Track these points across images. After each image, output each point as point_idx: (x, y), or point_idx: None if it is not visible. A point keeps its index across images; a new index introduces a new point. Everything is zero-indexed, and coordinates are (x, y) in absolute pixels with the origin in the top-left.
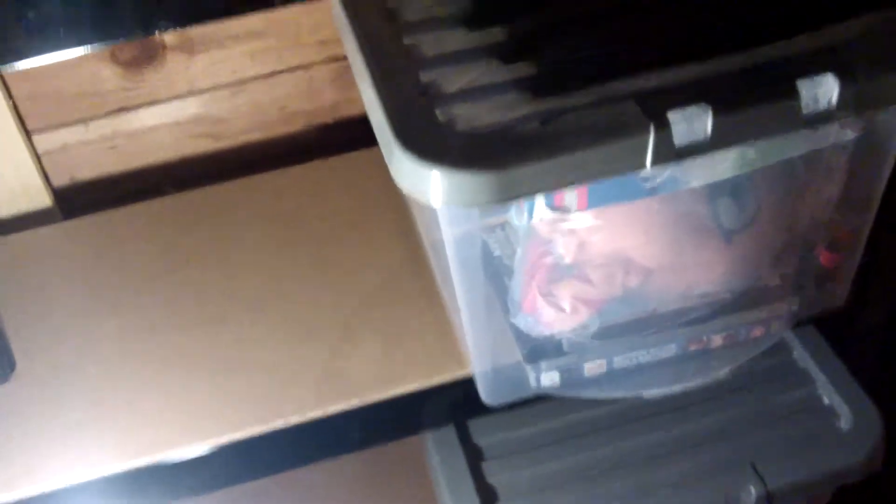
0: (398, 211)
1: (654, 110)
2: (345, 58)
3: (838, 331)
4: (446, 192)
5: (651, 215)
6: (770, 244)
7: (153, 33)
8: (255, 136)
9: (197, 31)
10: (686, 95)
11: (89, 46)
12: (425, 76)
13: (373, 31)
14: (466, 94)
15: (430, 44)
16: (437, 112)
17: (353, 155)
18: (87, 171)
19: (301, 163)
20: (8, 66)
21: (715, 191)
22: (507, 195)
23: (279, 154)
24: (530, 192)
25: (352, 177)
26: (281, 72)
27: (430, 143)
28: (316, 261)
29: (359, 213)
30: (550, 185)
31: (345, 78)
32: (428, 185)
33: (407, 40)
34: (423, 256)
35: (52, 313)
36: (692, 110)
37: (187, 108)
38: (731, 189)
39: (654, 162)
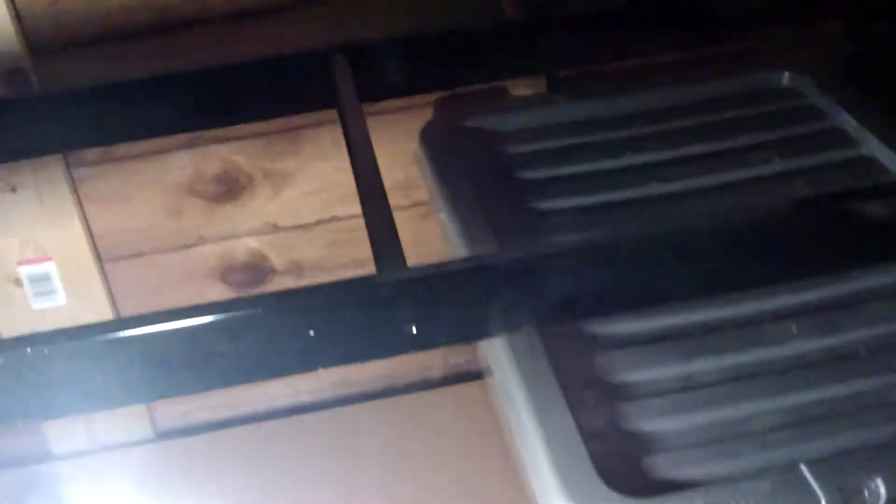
0: (502, 451)
1: (828, 482)
2: None
3: None
4: None
5: None
6: None
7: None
8: None
9: None
10: (855, 463)
11: None
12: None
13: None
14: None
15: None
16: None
17: (462, 387)
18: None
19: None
20: None
21: None
22: None
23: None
24: None
25: (460, 408)
26: None
27: None
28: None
29: (464, 451)
30: None
31: None
32: None
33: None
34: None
35: None
36: (864, 484)
37: None
38: None
39: None
